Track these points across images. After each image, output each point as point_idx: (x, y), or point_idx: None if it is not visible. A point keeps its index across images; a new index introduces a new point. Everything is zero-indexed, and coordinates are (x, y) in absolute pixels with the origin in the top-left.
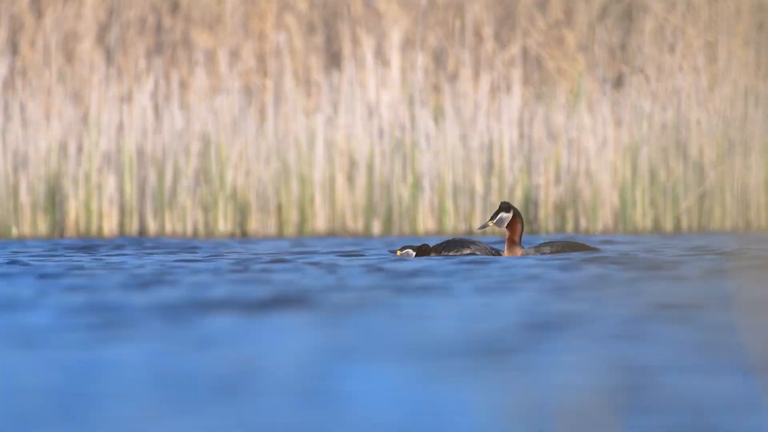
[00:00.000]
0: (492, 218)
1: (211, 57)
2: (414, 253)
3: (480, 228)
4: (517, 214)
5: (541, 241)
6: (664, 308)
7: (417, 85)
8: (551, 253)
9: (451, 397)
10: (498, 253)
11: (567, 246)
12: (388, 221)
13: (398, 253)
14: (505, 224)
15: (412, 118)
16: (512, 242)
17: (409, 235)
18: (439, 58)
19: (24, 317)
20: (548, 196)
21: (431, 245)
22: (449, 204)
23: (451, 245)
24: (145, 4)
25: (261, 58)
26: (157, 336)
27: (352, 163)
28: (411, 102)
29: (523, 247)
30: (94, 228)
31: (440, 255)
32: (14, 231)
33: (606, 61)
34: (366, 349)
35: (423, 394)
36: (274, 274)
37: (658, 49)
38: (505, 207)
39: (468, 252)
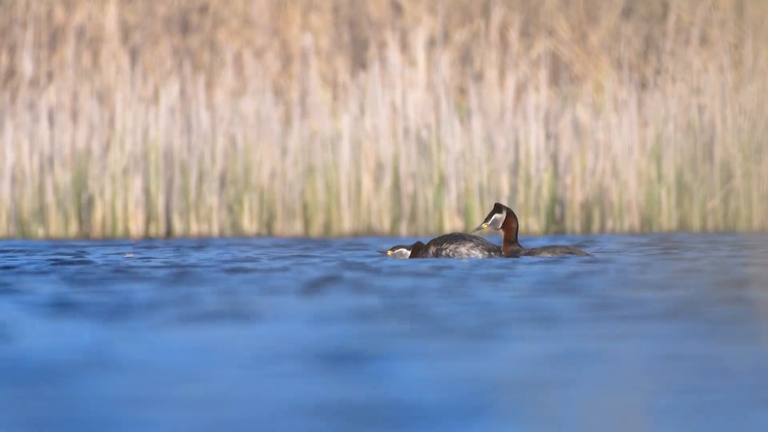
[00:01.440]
0: (486, 220)
1: (237, 58)
2: (408, 253)
3: (474, 230)
4: (510, 214)
5: (541, 244)
6: None
7: (443, 85)
8: (546, 253)
9: None
10: (498, 249)
11: (563, 250)
12: (413, 221)
13: (389, 253)
14: (500, 225)
15: (438, 118)
16: (508, 242)
17: (435, 235)
18: (464, 59)
19: None
20: (574, 196)
21: (425, 243)
22: (475, 204)
23: (451, 239)
24: (171, 5)
25: (287, 59)
26: None
27: (378, 164)
28: (437, 102)
29: (520, 246)
30: (120, 229)
31: (439, 249)
32: (40, 232)
33: (631, 61)
34: None
35: None
36: None
37: (683, 49)
38: (497, 208)
39: (470, 245)
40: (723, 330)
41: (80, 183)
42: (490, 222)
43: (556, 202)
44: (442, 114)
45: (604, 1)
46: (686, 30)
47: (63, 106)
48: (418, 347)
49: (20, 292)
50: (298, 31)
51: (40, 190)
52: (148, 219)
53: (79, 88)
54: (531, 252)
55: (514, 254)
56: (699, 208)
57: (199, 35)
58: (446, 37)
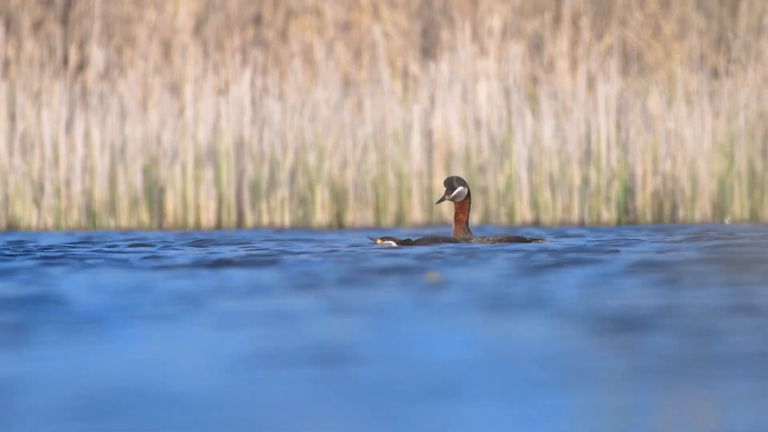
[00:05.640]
0: (448, 192)
1: (307, 49)
2: (395, 244)
3: (438, 202)
4: (469, 192)
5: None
6: None
7: (514, 75)
8: (493, 242)
9: None
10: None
11: (510, 238)
12: (485, 212)
13: (378, 241)
14: (461, 199)
15: (509, 108)
16: (460, 226)
17: (506, 225)
18: (535, 49)
19: None
20: (646, 186)
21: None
22: (546, 194)
23: (432, 240)
24: None
25: (357, 50)
26: None
27: (449, 154)
28: (508, 93)
29: (471, 234)
30: (191, 220)
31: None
32: (111, 223)
33: (703, 51)
34: None
35: None
36: None
37: (756, 38)
38: (461, 182)
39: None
40: None
41: (151, 174)
42: (453, 194)
43: (628, 192)
44: (513, 104)
45: None
46: (758, 19)
47: (134, 98)
48: None
49: None
50: (369, 22)
51: (112, 181)
52: (219, 210)
53: (151, 80)
54: (482, 240)
55: (467, 242)
56: None
57: (270, 27)
58: (518, 27)
